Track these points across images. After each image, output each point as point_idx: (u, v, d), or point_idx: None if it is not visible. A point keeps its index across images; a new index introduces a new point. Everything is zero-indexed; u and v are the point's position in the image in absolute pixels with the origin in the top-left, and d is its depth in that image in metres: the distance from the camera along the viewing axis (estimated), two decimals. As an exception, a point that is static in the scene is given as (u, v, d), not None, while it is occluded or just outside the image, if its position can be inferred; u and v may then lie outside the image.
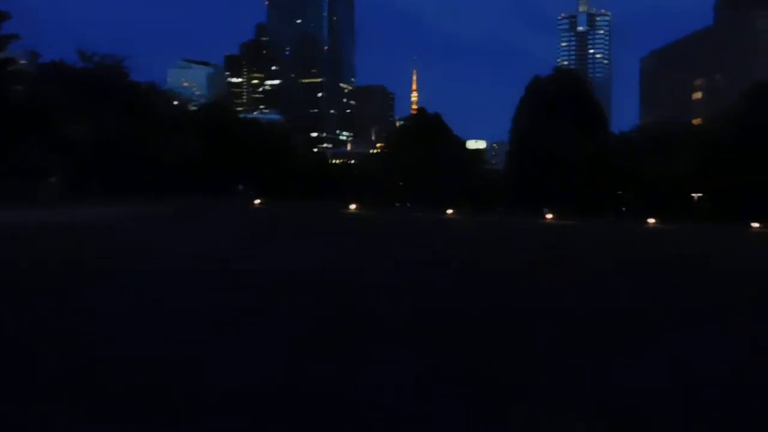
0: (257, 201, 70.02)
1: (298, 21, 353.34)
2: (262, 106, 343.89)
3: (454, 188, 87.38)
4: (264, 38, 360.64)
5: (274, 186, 75.55)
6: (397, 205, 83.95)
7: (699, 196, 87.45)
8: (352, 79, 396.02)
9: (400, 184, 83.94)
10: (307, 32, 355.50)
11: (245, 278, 16.83)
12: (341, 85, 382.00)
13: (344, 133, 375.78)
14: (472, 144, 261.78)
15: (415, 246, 29.18)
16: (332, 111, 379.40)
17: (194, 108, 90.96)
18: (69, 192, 65.46)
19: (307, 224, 42.21)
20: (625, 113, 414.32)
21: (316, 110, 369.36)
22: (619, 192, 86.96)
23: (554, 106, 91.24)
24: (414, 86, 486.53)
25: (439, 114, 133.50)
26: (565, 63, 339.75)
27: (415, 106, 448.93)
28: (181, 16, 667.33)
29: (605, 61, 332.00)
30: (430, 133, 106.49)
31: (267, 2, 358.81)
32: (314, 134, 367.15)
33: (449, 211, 69.85)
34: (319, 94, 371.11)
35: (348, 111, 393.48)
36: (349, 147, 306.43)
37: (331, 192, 78.04)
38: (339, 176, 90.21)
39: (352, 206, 69.05)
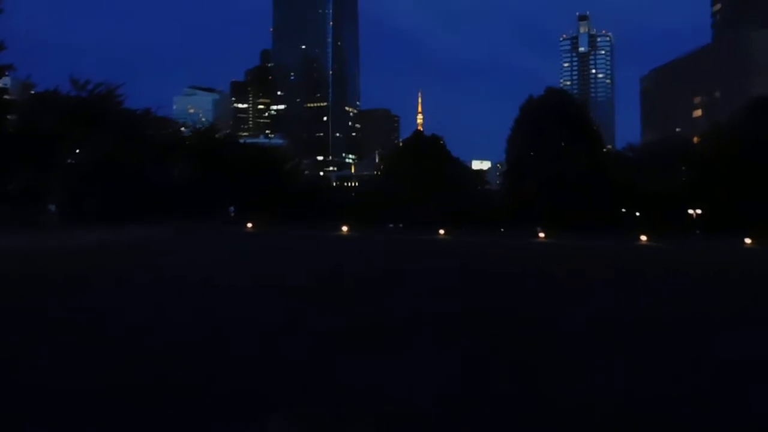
0: (249, 224, 70.38)
1: (303, 46, 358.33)
2: (268, 131, 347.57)
3: (450, 208, 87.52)
4: (269, 64, 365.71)
5: (267, 209, 75.99)
6: (390, 226, 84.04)
7: (697, 213, 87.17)
8: (357, 103, 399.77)
9: (394, 205, 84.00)
10: (311, 57, 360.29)
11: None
12: (346, 108, 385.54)
13: (350, 156, 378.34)
14: (477, 164, 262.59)
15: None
16: (338, 134, 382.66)
17: (187, 133, 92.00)
18: (65, 217, 66.31)
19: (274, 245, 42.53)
20: (628, 133, 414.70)
21: (321, 134, 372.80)
22: (614, 209, 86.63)
23: (547, 126, 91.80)
24: (419, 108, 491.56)
25: (436, 135, 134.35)
26: (568, 83, 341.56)
27: (420, 128, 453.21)
28: (187, 44, 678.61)
29: (607, 81, 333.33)
30: (427, 154, 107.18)
31: (272, 29, 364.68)
32: (320, 158, 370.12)
33: (441, 232, 69.86)
34: (325, 118, 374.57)
35: (353, 134, 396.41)
36: (353, 170, 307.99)
37: (325, 214, 78.33)
38: (333, 199, 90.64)
39: (344, 228, 69.28)
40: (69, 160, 71.69)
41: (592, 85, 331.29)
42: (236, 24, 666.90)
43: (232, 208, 71.71)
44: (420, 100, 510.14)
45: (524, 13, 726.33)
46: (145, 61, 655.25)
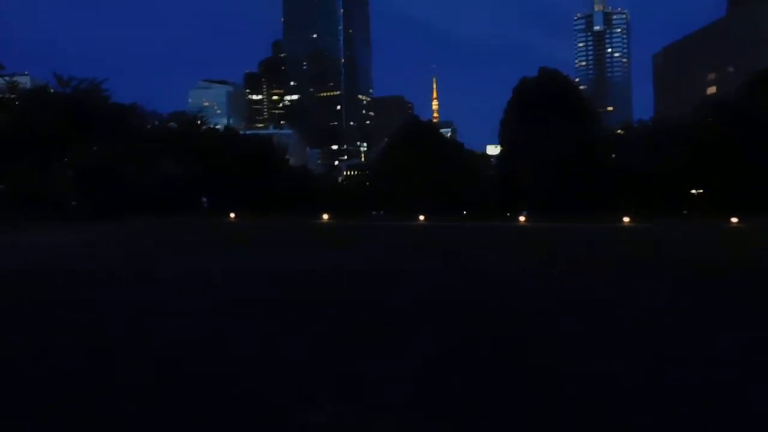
0: (232, 215, 70.31)
1: (314, 36, 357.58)
2: (282, 122, 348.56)
3: (440, 194, 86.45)
4: (281, 55, 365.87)
5: (251, 200, 75.84)
6: (373, 213, 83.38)
7: (696, 193, 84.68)
8: (370, 91, 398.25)
9: (379, 192, 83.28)
10: (323, 46, 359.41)
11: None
12: (359, 97, 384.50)
13: (365, 144, 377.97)
14: (492, 149, 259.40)
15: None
16: (352, 123, 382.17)
17: (174, 126, 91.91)
18: (52, 214, 66.86)
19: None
20: (645, 112, 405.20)
21: (335, 123, 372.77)
22: (606, 191, 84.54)
23: (540, 108, 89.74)
24: (434, 95, 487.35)
25: (432, 121, 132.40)
26: (583, 64, 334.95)
27: (436, 115, 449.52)
28: (200, 37, 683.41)
29: (624, 60, 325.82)
30: (422, 141, 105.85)
31: (282, 19, 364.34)
32: (335, 147, 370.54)
33: (421, 218, 68.94)
34: (338, 107, 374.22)
35: (367, 122, 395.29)
36: (363, 158, 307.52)
37: (310, 204, 78.01)
38: (318, 189, 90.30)
39: (325, 217, 68.83)
40: (57, 159, 72.33)
41: (608, 65, 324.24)
42: (248, 15, 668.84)
43: (205, 200, 71.47)
44: (434, 86, 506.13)
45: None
46: (159, 56, 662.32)
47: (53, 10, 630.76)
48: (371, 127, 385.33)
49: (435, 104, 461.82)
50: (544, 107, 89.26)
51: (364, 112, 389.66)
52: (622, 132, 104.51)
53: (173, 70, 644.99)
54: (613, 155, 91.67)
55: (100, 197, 67.61)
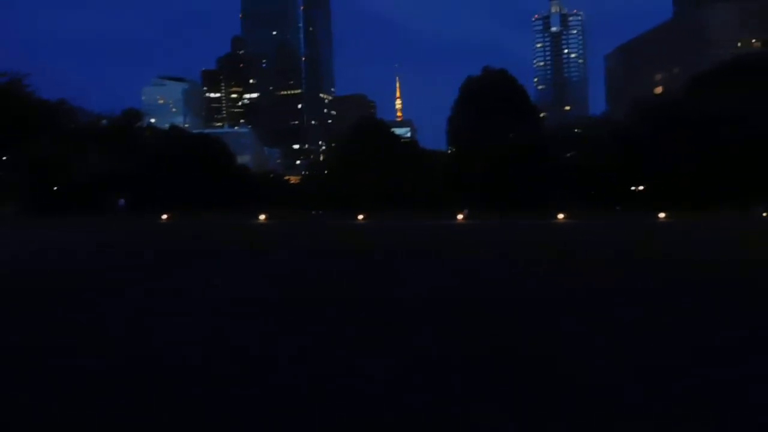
0: (164, 216, 68.49)
1: (274, 32, 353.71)
2: (242, 121, 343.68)
3: (383, 193, 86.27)
4: (240, 51, 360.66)
5: (191, 200, 74.16)
6: (313, 212, 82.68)
7: (635, 190, 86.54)
8: (332, 89, 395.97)
9: (318, 192, 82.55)
10: (283, 44, 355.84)
11: None
12: (321, 95, 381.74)
13: (327, 144, 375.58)
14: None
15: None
16: (313, 122, 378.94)
17: (105, 123, 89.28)
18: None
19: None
20: (601, 111, 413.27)
21: (296, 122, 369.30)
22: (550, 188, 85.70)
23: (485, 106, 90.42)
24: (398, 93, 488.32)
25: (383, 120, 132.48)
26: (541, 64, 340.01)
27: (399, 114, 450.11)
28: (155, 33, 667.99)
29: (580, 61, 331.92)
30: (372, 139, 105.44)
31: (241, 15, 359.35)
32: (296, 146, 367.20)
33: (359, 217, 68.44)
34: (299, 106, 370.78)
35: (329, 121, 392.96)
36: (321, 158, 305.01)
37: (250, 203, 76.77)
38: (263, 187, 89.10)
39: (261, 216, 67.69)
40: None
41: (565, 65, 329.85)
42: (205, 10, 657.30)
43: (121, 201, 69.30)
44: (398, 84, 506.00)
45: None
46: (112, 51, 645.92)
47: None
48: (333, 126, 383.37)
49: (398, 103, 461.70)
50: (489, 106, 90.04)
51: (325, 110, 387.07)
52: (579, 130, 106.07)
53: (126, 66, 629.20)
54: (564, 154, 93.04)
55: (19, 195, 65.12)
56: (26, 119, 67.98)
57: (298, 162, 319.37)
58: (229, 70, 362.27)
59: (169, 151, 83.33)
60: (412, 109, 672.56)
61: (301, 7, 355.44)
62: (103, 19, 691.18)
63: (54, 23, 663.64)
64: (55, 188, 64.98)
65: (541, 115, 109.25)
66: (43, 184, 65.57)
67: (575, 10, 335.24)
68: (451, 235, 38.77)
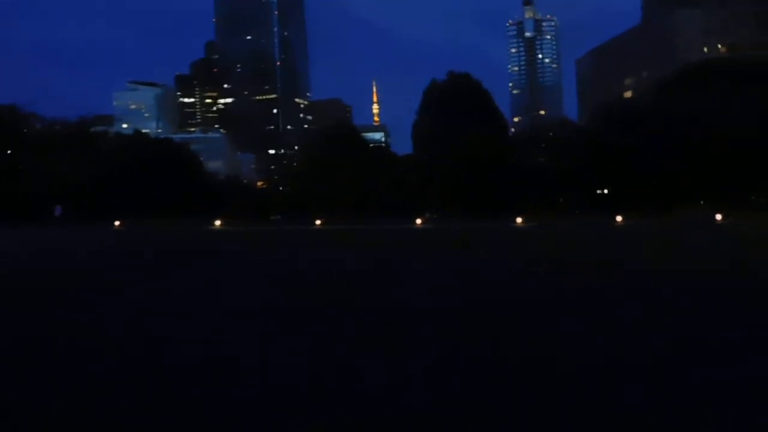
0: (117, 223, 66.42)
1: (248, 37, 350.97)
2: (216, 126, 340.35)
3: (348, 198, 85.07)
4: (214, 56, 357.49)
5: (150, 206, 72.20)
6: (273, 218, 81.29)
7: (600, 192, 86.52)
8: (308, 94, 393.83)
9: (278, 198, 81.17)
10: (257, 48, 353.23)
11: None
12: (296, 100, 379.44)
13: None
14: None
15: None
16: (289, 127, 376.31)
17: (60, 128, 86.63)
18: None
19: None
20: (575, 117, 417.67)
21: (272, 127, 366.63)
22: (515, 191, 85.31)
23: (449, 111, 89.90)
24: (375, 98, 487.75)
25: (353, 125, 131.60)
26: (516, 69, 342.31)
27: (377, 118, 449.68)
28: (127, 37, 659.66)
29: (554, 66, 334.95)
30: (339, 145, 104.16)
31: (214, 19, 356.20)
32: (272, 151, 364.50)
33: (317, 222, 67.13)
34: (275, 111, 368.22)
35: (305, 126, 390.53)
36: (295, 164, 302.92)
37: (210, 209, 75.08)
38: (219, 193, 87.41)
39: (217, 222, 66.04)
40: None
41: (540, 70, 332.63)
42: (178, 14, 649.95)
43: (58, 208, 67.05)
44: (375, 89, 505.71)
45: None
46: (84, 55, 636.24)
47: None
48: (309, 131, 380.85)
49: (375, 107, 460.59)
50: (452, 110, 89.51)
51: (301, 115, 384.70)
52: (551, 134, 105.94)
53: (98, 71, 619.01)
54: (531, 157, 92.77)
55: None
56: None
57: (273, 167, 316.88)
58: (203, 75, 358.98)
59: (128, 157, 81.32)
60: (389, 114, 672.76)
61: (276, 12, 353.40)
62: (74, 24, 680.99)
63: (28, 29, 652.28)
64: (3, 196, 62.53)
65: (516, 119, 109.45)
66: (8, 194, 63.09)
67: (549, 16, 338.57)
68: (380, 237, 38.50)
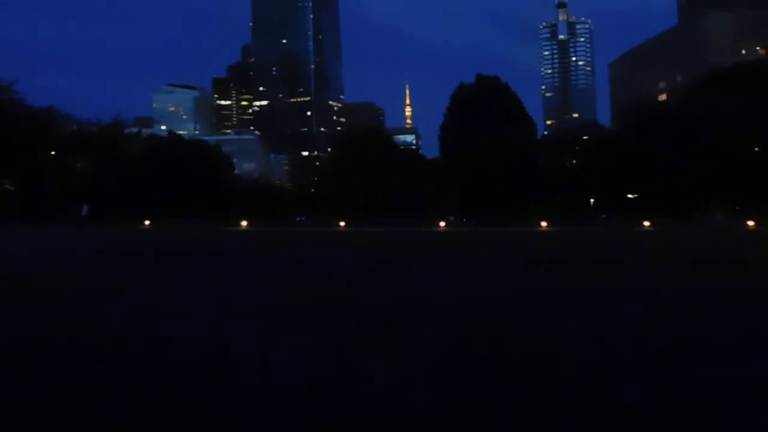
0: (147, 222, 69.08)
1: (284, 41, 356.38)
2: (251, 127, 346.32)
3: (372, 200, 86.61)
4: (250, 60, 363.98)
5: (173, 206, 74.42)
6: (297, 219, 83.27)
7: (632, 197, 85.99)
8: (341, 97, 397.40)
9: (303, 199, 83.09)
10: (292, 51, 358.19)
11: None
12: (330, 102, 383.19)
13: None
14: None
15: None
16: (322, 129, 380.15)
17: (93, 129, 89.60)
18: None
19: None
20: (609, 120, 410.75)
21: (305, 129, 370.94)
22: (542, 195, 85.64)
23: (477, 114, 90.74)
24: (407, 101, 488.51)
25: (381, 127, 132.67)
26: (549, 71, 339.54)
27: (409, 121, 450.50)
28: (168, 42, 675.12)
29: (587, 69, 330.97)
30: (365, 147, 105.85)
31: (251, 23, 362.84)
32: (305, 153, 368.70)
33: (341, 224, 68.91)
34: (308, 113, 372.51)
35: (339, 128, 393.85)
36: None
37: (235, 209, 77.28)
38: (248, 193, 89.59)
39: (243, 223, 68.36)
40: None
41: (573, 73, 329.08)
42: (217, 18, 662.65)
43: (84, 207, 69.10)
44: (407, 92, 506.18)
45: (505, 3, 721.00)
46: (124, 59, 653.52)
47: (11, 7, 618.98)
48: (342, 132, 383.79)
49: (408, 111, 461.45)
50: (480, 113, 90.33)
51: (334, 118, 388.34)
52: (586, 138, 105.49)
53: (138, 74, 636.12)
54: (560, 161, 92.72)
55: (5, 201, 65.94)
56: (12, 126, 68.91)
57: (305, 169, 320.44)
58: (239, 78, 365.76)
59: (159, 158, 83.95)
60: (421, 117, 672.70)
61: (311, 16, 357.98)
62: (113, 28, 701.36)
63: (69, 33, 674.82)
64: (37, 195, 65.85)
65: (548, 122, 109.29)
66: (26, 191, 66.55)
67: (583, 18, 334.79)
68: (397, 240, 38.94)
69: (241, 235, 49.07)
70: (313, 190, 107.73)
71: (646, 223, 60.20)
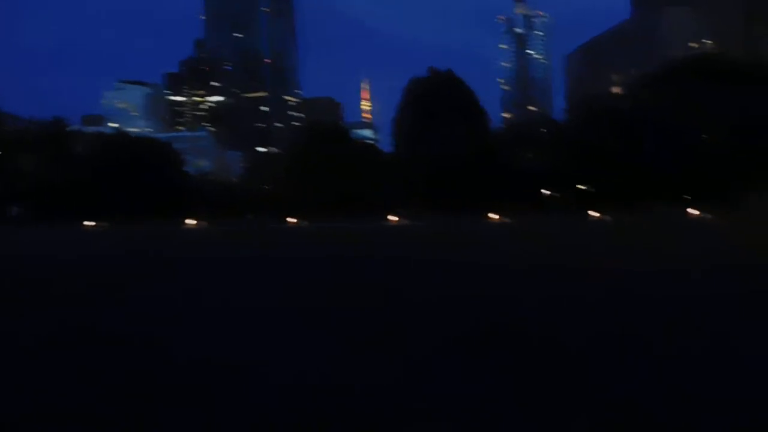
0: (92, 223, 64.92)
1: (238, 35, 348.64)
2: (206, 124, 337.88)
3: (324, 197, 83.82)
4: (204, 54, 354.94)
5: (119, 205, 70.72)
6: (248, 217, 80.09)
7: (582, 188, 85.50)
8: (298, 92, 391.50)
9: (253, 197, 79.81)
10: (247, 46, 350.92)
11: None
12: (286, 97, 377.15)
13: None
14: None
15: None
16: (279, 124, 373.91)
17: (31, 128, 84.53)
18: None
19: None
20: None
21: (262, 125, 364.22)
22: (497, 189, 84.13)
23: (429, 108, 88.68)
24: (367, 95, 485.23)
25: (339, 123, 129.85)
26: (507, 65, 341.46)
27: (368, 116, 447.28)
28: (116, 37, 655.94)
29: (544, 62, 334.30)
30: (321, 144, 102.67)
31: (204, 17, 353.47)
32: (263, 149, 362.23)
33: (291, 220, 65.88)
34: (264, 108, 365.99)
35: (296, 124, 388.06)
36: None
37: (188, 207, 73.76)
38: (198, 191, 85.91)
39: (191, 221, 64.76)
40: None
41: (530, 66, 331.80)
42: (167, 12, 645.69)
43: (15, 209, 64.88)
44: (366, 86, 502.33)
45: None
46: (73, 56, 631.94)
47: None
48: (301, 129, 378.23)
49: (366, 105, 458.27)
50: (433, 108, 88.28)
51: (291, 113, 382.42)
52: (544, 130, 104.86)
53: (87, 71, 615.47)
54: (513, 155, 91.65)
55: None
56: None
57: (261, 165, 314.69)
58: (192, 74, 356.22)
59: (104, 156, 79.70)
60: (381, 112, 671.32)
61: (266, 9, 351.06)
62: (65, 25, 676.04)
63: (17, 32, 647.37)
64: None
65: (506, 115, 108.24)
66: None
67: (540, 12, 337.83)
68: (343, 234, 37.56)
69: (172, 235, 46.24)
70: (266, 187, 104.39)
71: (596, 215, 59.22)
